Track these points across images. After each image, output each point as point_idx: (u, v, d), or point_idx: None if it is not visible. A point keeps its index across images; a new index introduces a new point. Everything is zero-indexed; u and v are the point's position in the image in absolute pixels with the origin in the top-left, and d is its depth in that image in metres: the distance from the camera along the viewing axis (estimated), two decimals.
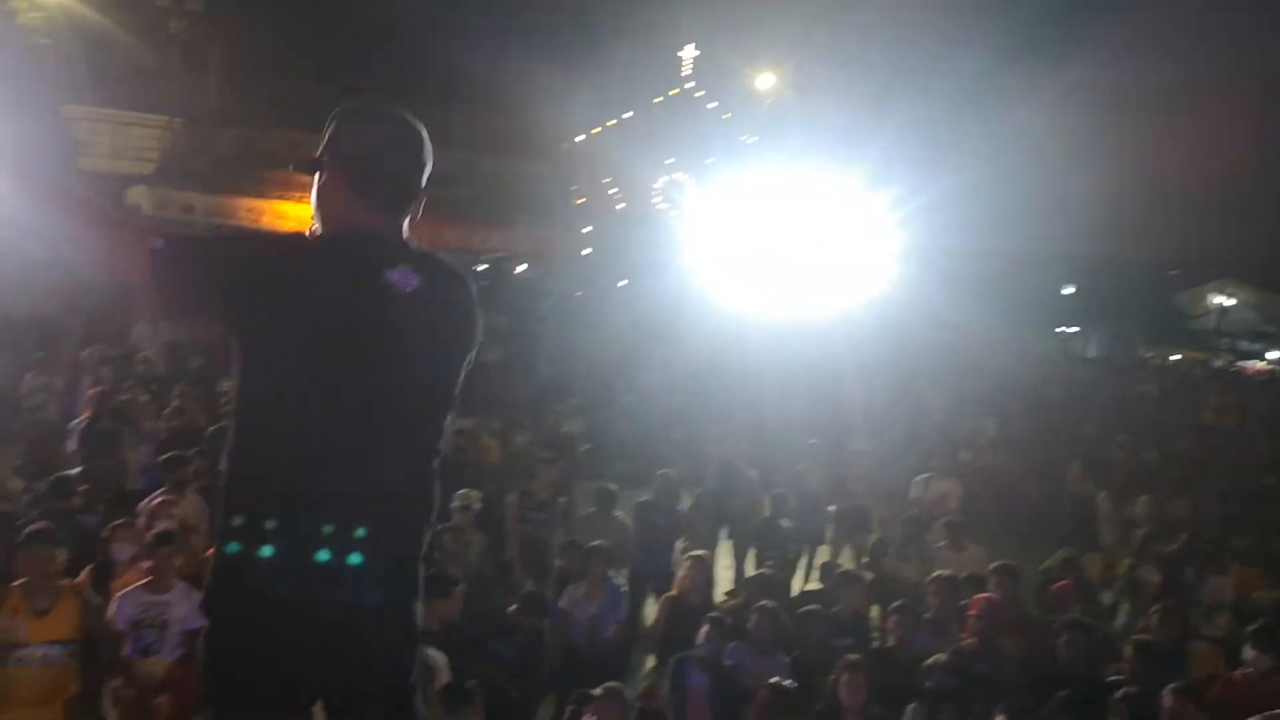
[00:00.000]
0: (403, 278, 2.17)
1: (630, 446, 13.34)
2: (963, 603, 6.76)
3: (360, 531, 2.11)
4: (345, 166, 2.28)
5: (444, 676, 5.10)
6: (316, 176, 2.31)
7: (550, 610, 6.70)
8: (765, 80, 27.00)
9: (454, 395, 2.30)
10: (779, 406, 13.14)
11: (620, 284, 20.64)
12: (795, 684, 5.37)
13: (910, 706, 5.57)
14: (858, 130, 19.34)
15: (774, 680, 5.32)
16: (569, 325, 16.98)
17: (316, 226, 2.32)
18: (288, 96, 25.86)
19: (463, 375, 2.32)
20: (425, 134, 2.32)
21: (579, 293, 19.71)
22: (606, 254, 21.47)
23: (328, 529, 2.09)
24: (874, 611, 7.18)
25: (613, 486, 8.67)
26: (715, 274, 16.34)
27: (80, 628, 5.16)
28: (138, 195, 16.40)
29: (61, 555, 5.46)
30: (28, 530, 5.37)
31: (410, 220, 2.32)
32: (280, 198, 17.26)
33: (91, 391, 9.84)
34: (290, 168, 2.55)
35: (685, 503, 9.17)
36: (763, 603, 6.27)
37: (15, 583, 5.10)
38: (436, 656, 5.09)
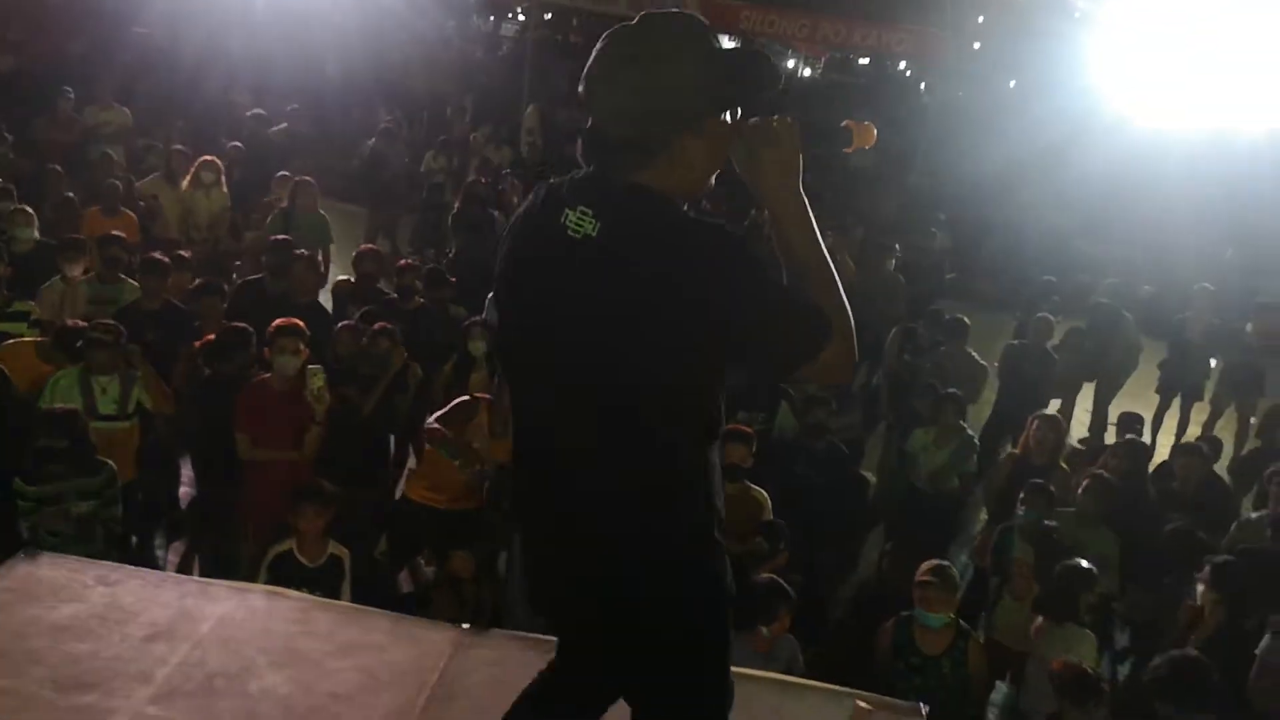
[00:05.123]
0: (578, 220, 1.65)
1: (997, 266, 12.40)
2: None
3: None
4: None
5: None
6: None
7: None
8: None
9: (646, 392, 1.65)
10: (1185, 240, 12.00)
11: (1010, 84, 18.50)
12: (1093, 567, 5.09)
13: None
14: None
15: (1073, 562, 5.00)
16: (947, 132, 15.49)
17: None
18: None
19: (673, 371, 1.63)
20: (625, 50, 1.68)
21: (959, 93, 18.08)
22: (999, 51, 18.44)
23: None
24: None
25: (964, 319, 7.89)
26: (1127, 77, 13.78)
27: None
28: None
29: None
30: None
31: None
32: None
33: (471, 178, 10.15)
34: None
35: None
36: (1098, 472, 5.81)
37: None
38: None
